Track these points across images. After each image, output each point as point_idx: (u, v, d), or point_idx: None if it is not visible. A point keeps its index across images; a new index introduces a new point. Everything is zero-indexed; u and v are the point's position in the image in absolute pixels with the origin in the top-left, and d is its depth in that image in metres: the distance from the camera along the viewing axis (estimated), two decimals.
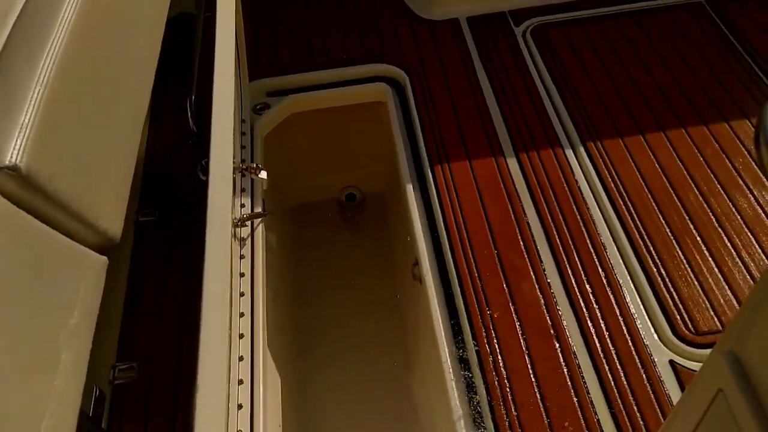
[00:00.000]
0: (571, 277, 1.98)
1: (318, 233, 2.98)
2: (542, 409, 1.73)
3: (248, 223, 2.11)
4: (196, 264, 1.45)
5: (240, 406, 1.78)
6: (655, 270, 1.97)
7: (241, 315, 1.94)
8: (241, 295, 1.99)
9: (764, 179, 2.15)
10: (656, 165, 2.25)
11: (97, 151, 1.20)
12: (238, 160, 1.98)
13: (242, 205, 2.15)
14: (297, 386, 2.38)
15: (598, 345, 1.83)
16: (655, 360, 1.79)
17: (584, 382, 1.76)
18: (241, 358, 1.86)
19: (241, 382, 1.82)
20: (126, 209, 1.36)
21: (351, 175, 3.07)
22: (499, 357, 1.83)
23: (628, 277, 1.97)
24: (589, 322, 1.88)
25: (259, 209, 2.16)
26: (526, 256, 2.05)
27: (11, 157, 0.93)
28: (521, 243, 2.09)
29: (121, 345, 1.91)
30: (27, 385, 0.94)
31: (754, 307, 0.88)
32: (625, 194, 2.18)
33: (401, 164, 2.39)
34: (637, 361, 1.79)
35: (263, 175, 1.83)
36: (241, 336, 1.91)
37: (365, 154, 2.96)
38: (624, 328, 1.86)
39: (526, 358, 1.83)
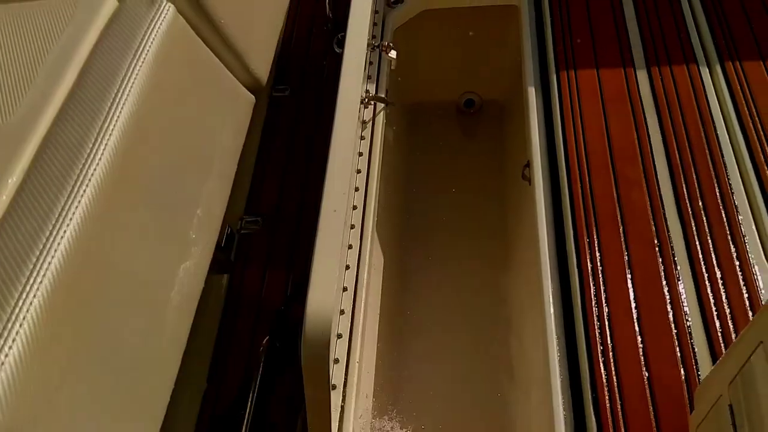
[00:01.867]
0: (686, 193, 1.96)
1: (433, 133, 3.05)
2: (634, 311, 1.76)
3: (370, 106, 2.22)
4: (323, 133, 1.57)
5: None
6: None
7: (356, 189, 2.08)
8: (358, 172, 2.12)
9: None
10: None
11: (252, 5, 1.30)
12: (370, 37, 2.06)
13: (367, 91, 2.25)
14: (398, 269, 2.53)
15: (702, 263, 1.83)
16: (760, 285, 1.77)
17: (680, 294, 1.78)
18: (352, 227, 2.01)
19: (350, 246, 1.97)
20: (272, 57, 1.49)
21: (473, 80, 3.09)
22: (598, 262, 1.87)
23: (746, 202, 1.92)
24: (696, 238, 1.87)
25: (382, 95, 2.26)
26: (642, 167, 2.04)
27: None
28: (639, 155, 2.07)
29: (249, 201, 2.11)
30: (185, 186, 1.10)
31: None
32: (759, 123, 2.09)
33: (526, 68, 2.39)
34: (741, 282, 1.78)
35: (393, 54, 1.91)
36: (354, 207, 2.04)
37: (490, 60, 2.96)
38: (732, 247, 1.84)
39: (626, 266, 1.86)
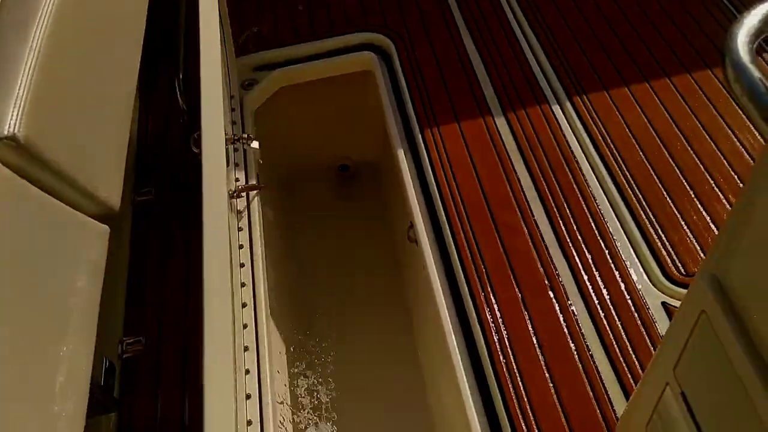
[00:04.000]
0: (563, 228, 2.02)
1: (313, 205, 3.01)
2: (540, 356, 1.77)
3: (243, 195, 2.14)
4: (196, 237, 1.49)
5: (247, 371, 1.82)
6: (644, 217, 2.01)
7: (243, 285, 1.98)
8: (242, 266, 2.03)
9: (746, 121, 2.19)
10: (642, 115, 2.28)
11: (92, 122, 1.23)
12: (229, 132, 2.00)
13: (236, 179, 2.17)
14: (301, 351, 2.43)
15: (592, 293, 1.88)
16: (648, 303, 1.84)
17: (580, 331, 1.81)
18: (245, 326, 1.91)
19: (246, 348, 1.87)
20: (123, 179, 1.39)
21: (343, 146, 3.09)
22: (497, 312, 1.88)
23: (619, 226, 2.01)
24: (582, 272, 1.92)
25: (253, 182, 2.19)
26: (518, 211, 2.09)
27: (9, 127, 0.96)
28: (513, 199, 2.12)
29: (127, 321, 1.95)
30: (39, 347, 0.98)
31: (731, 231, 0.92)
32: (612, 145, 2.21)
33: (391, 130, 2.41)
34: (631, 305, 1.84)
35: (255, 144, 1.86)
36: (244, 305, 1.95)
37: (356, 124, 2.98)
38: (617, 274, 1.90)
39: (524, 311, 1.87)
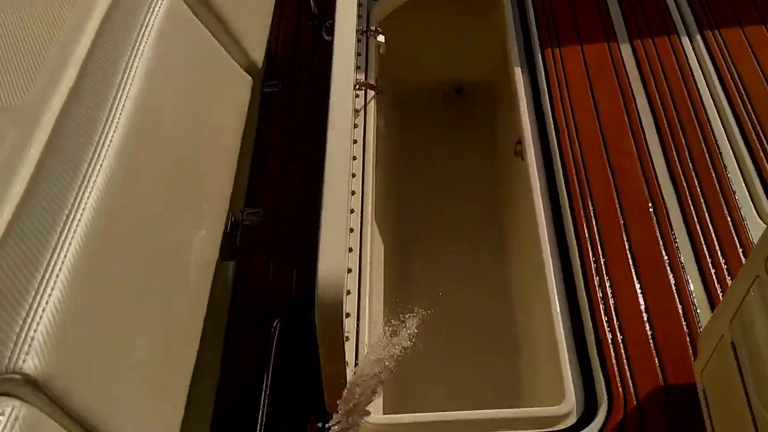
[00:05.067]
0: (675, 157, 2.02)
1: (424, 120, 3.09)
2: (636, 281, 1.80)
3: (361, 93, 2.25)
4: (317, 124, 1.60)
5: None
6: (762, 156, 1.97)
7: (353, 175, 2.11)
8: (354, 158, 2.15)
9: None
10: None
11: None
12: (360, 24, 2.08)
13: (357, 78, 2.27)
14: (399, 247, 2.56)
15: (696, 220, 1.88)
16: (752, 237, 1.82)
17: (679, 257, 1.82)
18: (351, 211, 2.04)
19: (351, 230, 2.00)
20: (266, 40, 1.51)
21: (460, 66, 3.13)
22: (596, 231, 1.91)
23: (735, 162, 1.98)
24: (689, 198, 1.92)
25: (372, 82, 2.29)
26: (631, 137, 2.09)
27: None
28: (628, 125, 2.12)
29: (249, 193, 2.14)
30: (195, 172, 1.13)
31: None
32: (739, 83, 2.15)
33: (511, 48, 2.44)
34: (734, 236, 1.83)
35: (381, 38, 1.95)
36: (353, 193, 2.07)
37: (475, 45, 3.00)
38: (723, 205, 1.89)
39: (623, 231, 1.90)
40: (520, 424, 1.65)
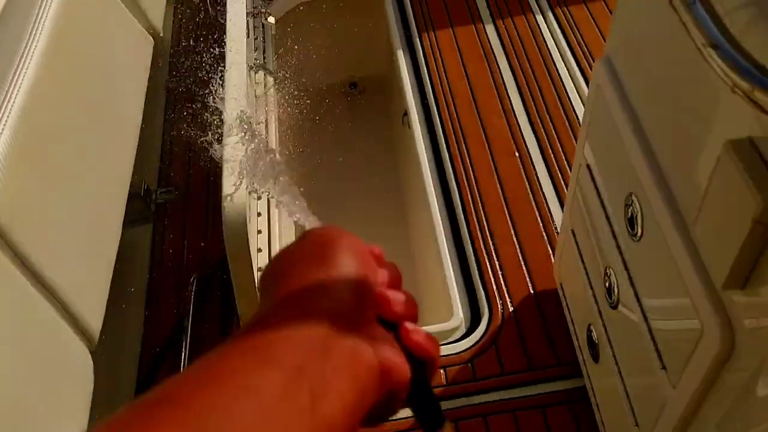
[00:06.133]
0: (535, 112, 2.34)
1: (323, 115, 3.33)
2: (506, 211, 2.10)
3: (260, 80, 2.47)
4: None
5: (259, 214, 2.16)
6: None
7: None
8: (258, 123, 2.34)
9: None
10: None
11: None
12: (252, 6, 2.27)
13: (255, 59, 2.47)
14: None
15: (553, 157, 2.20)
16: None
17: (542, 189, 2.13)
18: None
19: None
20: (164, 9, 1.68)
21: (352, 63, 3.41)
22: (472, 174, 2.20)
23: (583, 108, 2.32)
24: (547, 142, 2.24)
25: (270, 68, 2.53)
26: (498, 99, 2.41)
27: None
28: (495, 90, 2.44)
29: (160, 174, 2.31)
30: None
31: (615, 19, 1.24)
32: (586, 49, 2.52)
33: (393, 36, 2.73)
34: None
35: (271, 20, 2.18)
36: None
37: (364, 42, 3.29)
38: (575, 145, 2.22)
39: (494, 173, 2.20)
40: None
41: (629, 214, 1.19)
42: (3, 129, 1.17)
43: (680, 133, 1.02)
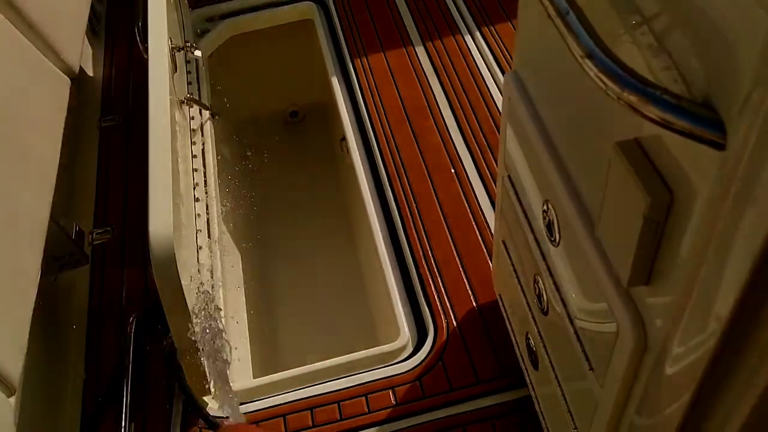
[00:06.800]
0: (468, 129, 2.39)
1: (264, 144, 3.34)
2: (446, 229, 2.13)
3: (196, 114, 2.47)
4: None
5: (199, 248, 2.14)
6: None
7: (197, 200, 2.26)
8: (195, 170, 2.34)
9: None
10: None
11: None
12: (176, 42, 2.28)
13: (190, 93, 2.46)
14: (258, 252, 2.76)
15: (489, 175, 2.24)
16: None
17: (479, 206, 2.17)
18: (199, 231, 2.19)
19: (198, 216, 2.15)
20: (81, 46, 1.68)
21: (291, 92, 3.43)
22: (411, 195, 2.23)
23: None
24: (482, 158, 2.29)
25: (205, 102, 2.52)
26: (432, 118, 2.45)
27: None
28: (428, 109, 2.49)
29: (96, 215, 2.27)
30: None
31: (519, 36, 1.28)
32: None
33: (327, 61, 2.76)
34: None
35: (198, 53, 2.19)
36: (198, 215, 2.23)
37: (301, 71, 3.31)
38: None
39: (433, 193, 2.23)
40: (370, 362, 1.89)
41: (547, 221, 1.22)
42: None
43: (580, 138, 1.06)
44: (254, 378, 2.11)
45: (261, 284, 2.77)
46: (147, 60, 1.89)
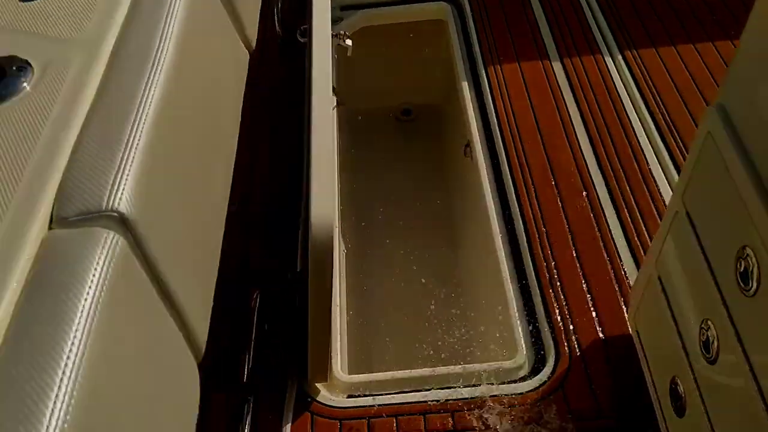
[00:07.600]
0: (604, 152, 2.32)
1: (375, 139, 3.33)
2: (573, 250, 2.06)
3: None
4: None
5: None
6: (675, 146, 2.29)
7: None
8: None
9: None
10: (684, 70, 2.56)
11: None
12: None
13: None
14: (359, 251, 2.75)
15: (623, 202, 2.16)
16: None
17: (609, 230, 2.09)
18: None
19: None
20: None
21: (408, 90, 3.41)
22: (538, 209, 2.17)
23: (652, 152, 2.30)
24: (615, 184, 2.21)
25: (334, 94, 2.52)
26: (565, 136, 2.39)
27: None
28: (561, 126, 2.43)
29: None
30: None
31: (733, 66, 1.22)
32: (656, 92, 2.50)
33: (458, 66, 2.73)
34: (656, 214, 2.12)
35: (349, 42, 2.18)
36: None
37: (422, 70, 3.29)
38: (645, 186, 2.19)
39: (562, 213, 2.17)
40: (487, 376, 1.84)
41: (742, 268, 1.16)
42: (139, 140, 1.17)
43: None
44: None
45: (357, 279, 2.75)
46: (305, 43, 1.89)
